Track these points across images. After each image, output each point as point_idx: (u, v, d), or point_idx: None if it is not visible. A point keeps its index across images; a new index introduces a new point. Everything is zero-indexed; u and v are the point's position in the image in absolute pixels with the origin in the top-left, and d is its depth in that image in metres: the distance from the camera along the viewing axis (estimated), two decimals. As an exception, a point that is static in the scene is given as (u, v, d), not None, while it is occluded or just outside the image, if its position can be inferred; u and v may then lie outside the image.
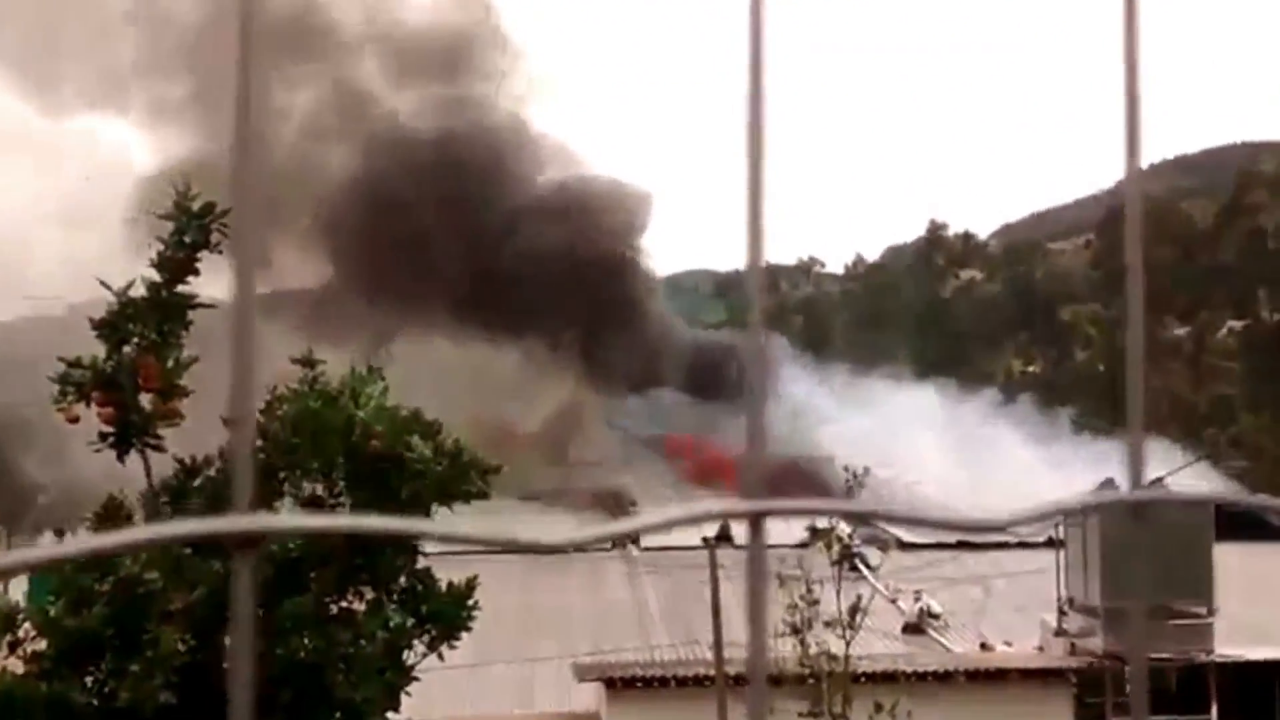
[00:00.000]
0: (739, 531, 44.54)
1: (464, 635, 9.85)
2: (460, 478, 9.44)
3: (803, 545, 34.36)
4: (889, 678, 24.43)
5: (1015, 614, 30.06)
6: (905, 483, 45.09)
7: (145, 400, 8.91)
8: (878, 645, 26.15)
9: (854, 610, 21.55)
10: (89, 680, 8.85)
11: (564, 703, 26.46)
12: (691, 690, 24.43)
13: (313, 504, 9.41)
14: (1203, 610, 25.70)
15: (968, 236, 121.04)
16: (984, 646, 28.92)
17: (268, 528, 0.86)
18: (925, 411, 58.62)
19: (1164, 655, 24.03)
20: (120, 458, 8.91)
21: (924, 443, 53.48)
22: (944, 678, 24.99)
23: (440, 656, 9.68)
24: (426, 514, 9.60)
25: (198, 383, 9.01)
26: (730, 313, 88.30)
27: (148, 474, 9.09)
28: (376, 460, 9.29)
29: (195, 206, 9.10)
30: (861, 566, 29.02)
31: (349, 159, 57.95)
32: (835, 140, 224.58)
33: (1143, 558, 1.13)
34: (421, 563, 9.82)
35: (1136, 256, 1.13)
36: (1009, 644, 28.88)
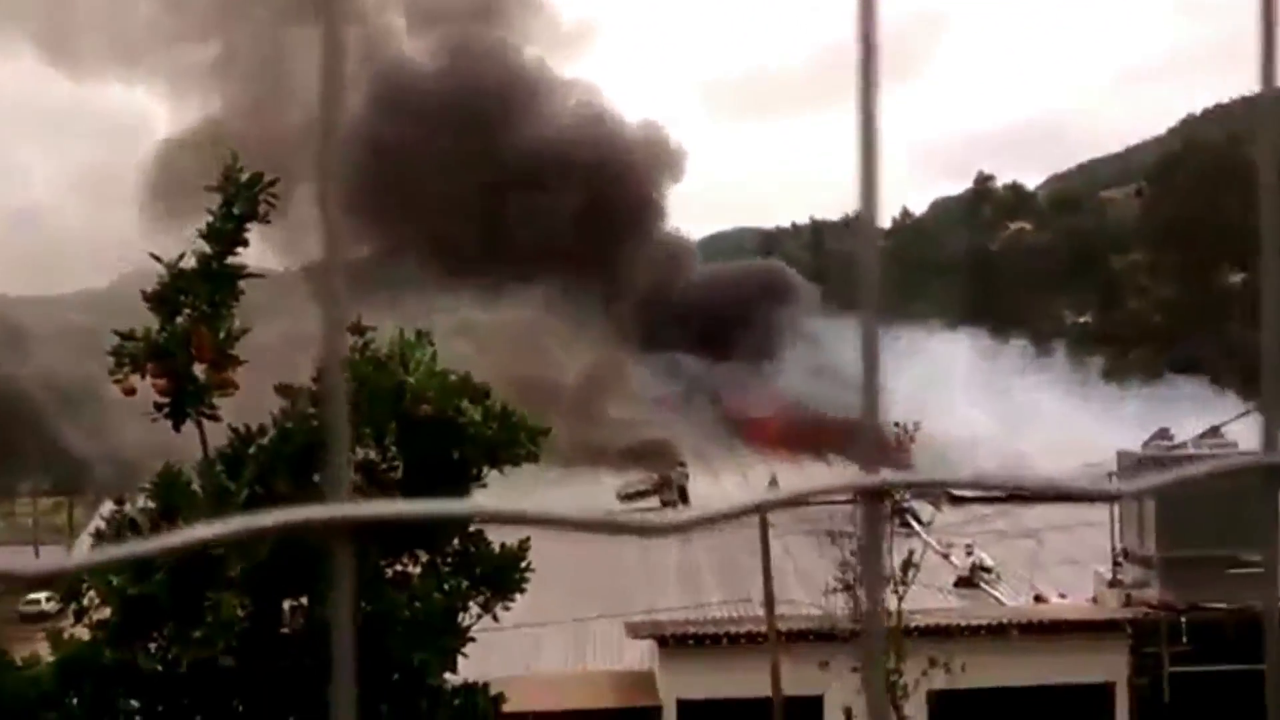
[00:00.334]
0: (787, 486, 44.79)
1: (517, 596, 9.93)
2: (511, 440, 9.49)
3: (852, 501, 34.37)
4: (942, 632, 24.43)
5: (1068, 566, 29.91)
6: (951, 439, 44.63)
7: (199, 371, 9.02)
8: (930, 600, 26.13)
9: (906, 566, 21.53)
10: (152, 646, 9.02)
11: (617, 661, 26.67)
12: (743, 647, 24.53)
13: (365, 469, 9.51)
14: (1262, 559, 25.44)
15: (1016, 187, 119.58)
16: (1038, 599, 28.83)
17: (363, 516, 0.84)
18: (971, 364, 58.16)
19: (1222, 604, 23.86)
20: (176, 427, 9.04)
21: (970, 397, 53.10)
22: (997, 630, 24.93)
23: (495, 618, 9.77)
24: (478, 478, 9.68)
25: (247, 352, 9.12)
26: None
27: (203, 443, 9.21)
28: (427, 425, 9.35)
29: (243, 178, 9.17)
30: (912, 521, 29.00)
31: (374, 114, 57.28)
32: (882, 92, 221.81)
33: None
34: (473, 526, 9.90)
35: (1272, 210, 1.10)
36: (1063, 596, 28.77)
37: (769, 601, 24.12)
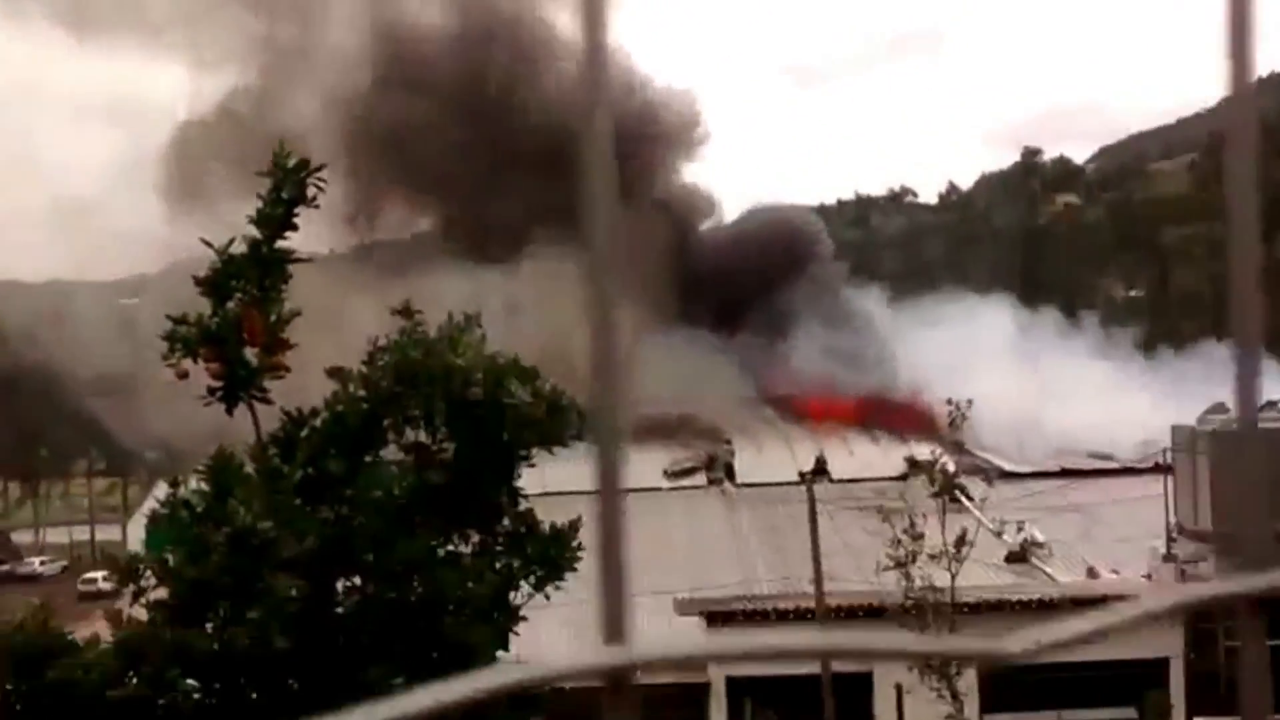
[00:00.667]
0: (835, 467, 44.15)
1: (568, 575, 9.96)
2: (560, 422, 9.52)
3: (903, 477, 34.21)
4: (994, 607, 24.33)
5: (1121, 542, 29.67)
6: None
7: (250, 354, 9.11)
8: (982, 575, 26.01)
9: (959, 543, 21.46)
10: (208, 627, 9.14)
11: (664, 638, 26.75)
12: (791, 623, 24.55)
13: (415, 451, 9.58)
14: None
15: (1064, 160, 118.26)
16: (1091, 574, 28.63)
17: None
18: (1019, 337, 57.55)
19: None
20: (229, 411, 9.14)
21: (1018, 370, 52.53)
22: (1049, 606, 24.79)
23: (546, 596, 9.82)
24: (527, 459, 9.72)
25: (297, 336, 9.20)
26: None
27: (255, 426, 9.31)
28: (476, 407, 9.40)
29: (291, 163, 9.24)
30: (963, 498, 28.84)
31: (386, 91, 56.83)
32: (924, 68, 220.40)
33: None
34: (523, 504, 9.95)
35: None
36: (1116, 572, 28.55)
37: (818, 577, 24.11)
